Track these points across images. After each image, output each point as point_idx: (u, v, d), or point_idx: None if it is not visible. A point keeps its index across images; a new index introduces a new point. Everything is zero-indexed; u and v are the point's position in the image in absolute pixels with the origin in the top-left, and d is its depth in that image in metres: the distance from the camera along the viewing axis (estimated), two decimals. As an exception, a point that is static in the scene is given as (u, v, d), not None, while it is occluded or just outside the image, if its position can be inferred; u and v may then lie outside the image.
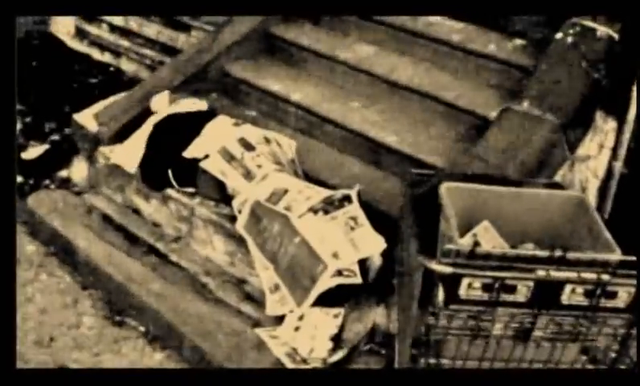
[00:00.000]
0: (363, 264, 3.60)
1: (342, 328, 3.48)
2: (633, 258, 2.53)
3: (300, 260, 3.61)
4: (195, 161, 4.10)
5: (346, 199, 3.79)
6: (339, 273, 3.51)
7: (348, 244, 3.59)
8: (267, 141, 4.21)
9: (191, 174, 4.13)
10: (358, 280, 3.53)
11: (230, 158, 4.04)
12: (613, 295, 2.55)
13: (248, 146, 4.10)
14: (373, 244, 3.61)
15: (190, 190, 4.18)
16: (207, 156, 4.08)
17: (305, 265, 3.58)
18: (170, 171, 4.19)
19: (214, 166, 4.03)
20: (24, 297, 3.86)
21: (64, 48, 6.70)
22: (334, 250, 3.55)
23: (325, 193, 3.82)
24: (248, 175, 3.97)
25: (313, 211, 3.69)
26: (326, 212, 3.69)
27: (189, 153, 4.15)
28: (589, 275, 2.52)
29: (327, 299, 3.54)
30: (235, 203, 3.93)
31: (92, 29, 6.65)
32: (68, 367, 3.51)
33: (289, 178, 3.98)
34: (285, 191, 3.81)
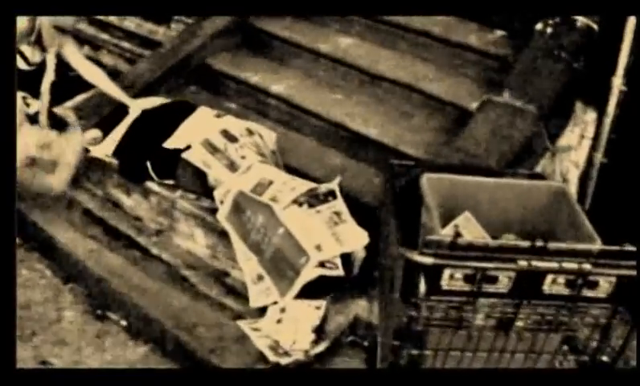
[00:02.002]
0: (347, 257, 3.60)
1: (324, 320, 3.49)
2: (614, 248, 2.54)
3: (284, 251, 3.61)
4: (175, 153, 4.07)
5: (331, 194, 3.79)
6: (322, 264, 3.52)
7: (332, 237, 3.59)
8: (249, 132, 4.20)
9: (171, 167, 4.11)
10: (340, 272, 3.54)
11: (213, 149, 4.02)
12: (594, 285, 2.56)
13: (231, 138, 4.09)
14: (356, 240, 3.62)
15: (170, 182, 4.16)
16: (188, 147, 4.06)
17: (289, 256, 3.58)
18: (149, 163, 4.17)
19: (196, 157, 4.01)
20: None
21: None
22: (317, 242, 3.55)
23: (309, 185, 3.81)
24: (232, 166, 3.95)
25: (298, 203, 3.68)
26: (311, 206, 3.69)
27: (170, 144, 4.12)
28: (570, 265, 2.53)
29: (309, 291, 3.54)
30: (217, 194, 3.91)
31: (70, 22, 6.58)
32: (50, 362, 3.49)
33: (273, 169, 3.97)
34: (270, 183, 3.80)
